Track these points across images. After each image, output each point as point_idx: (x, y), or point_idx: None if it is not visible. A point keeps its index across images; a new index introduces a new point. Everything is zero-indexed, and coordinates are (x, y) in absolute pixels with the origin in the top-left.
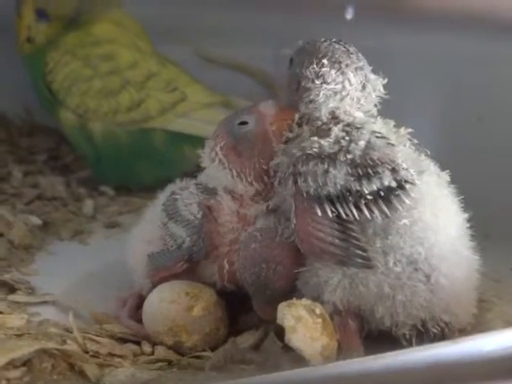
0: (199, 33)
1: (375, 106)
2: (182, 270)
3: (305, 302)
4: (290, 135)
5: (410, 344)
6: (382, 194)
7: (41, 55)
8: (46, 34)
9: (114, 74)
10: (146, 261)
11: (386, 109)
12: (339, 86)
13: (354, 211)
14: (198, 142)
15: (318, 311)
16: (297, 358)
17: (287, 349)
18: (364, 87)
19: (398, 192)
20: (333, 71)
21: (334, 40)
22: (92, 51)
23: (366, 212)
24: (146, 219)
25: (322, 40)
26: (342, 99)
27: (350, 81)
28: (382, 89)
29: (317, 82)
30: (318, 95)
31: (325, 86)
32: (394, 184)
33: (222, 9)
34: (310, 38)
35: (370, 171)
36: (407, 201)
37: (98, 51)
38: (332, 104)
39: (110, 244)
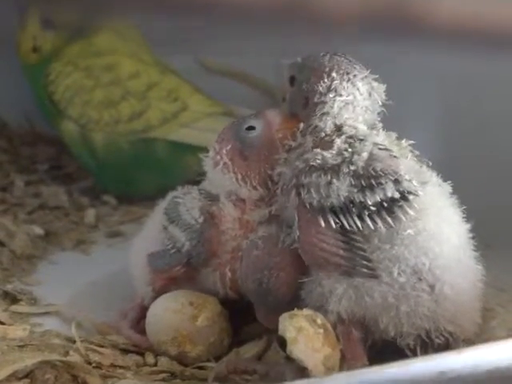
0: (200, 42)
1: (378, 114)
2: (182, 277)
3: (306, 312)
4: (293, 144)
5: (414, 354)
6: (386, 205)
7: (43, 65)
8: (53, 43)
9: (116, 84)
10: (147, 268)
11: (387, 120)
12: (351, 97)
13: (358, 222)
14: (199, 151)
15: (319, 321)
16: (300, 369)
17: (290, 359)
18: (370, 95)
19: (402, 203)
20: (344, 83)
21: (333, 53)
22: (94, 62)
23: (370, 223)
24: (147, 227)
25: (322, 54)
26: (353, 109)
27: (359, 90)
28: (383, 95)
29: (330, 95)
30: (332, 107)
31: (338, 98)
32: (397, 195)
33: (222, 18)
34: (308, 51)
35: (373, 182)
36: (410, 212)
37: (100, 62)
38: (346, 115)
39: (112, 253)
